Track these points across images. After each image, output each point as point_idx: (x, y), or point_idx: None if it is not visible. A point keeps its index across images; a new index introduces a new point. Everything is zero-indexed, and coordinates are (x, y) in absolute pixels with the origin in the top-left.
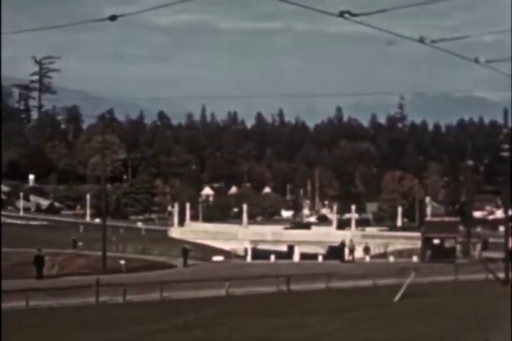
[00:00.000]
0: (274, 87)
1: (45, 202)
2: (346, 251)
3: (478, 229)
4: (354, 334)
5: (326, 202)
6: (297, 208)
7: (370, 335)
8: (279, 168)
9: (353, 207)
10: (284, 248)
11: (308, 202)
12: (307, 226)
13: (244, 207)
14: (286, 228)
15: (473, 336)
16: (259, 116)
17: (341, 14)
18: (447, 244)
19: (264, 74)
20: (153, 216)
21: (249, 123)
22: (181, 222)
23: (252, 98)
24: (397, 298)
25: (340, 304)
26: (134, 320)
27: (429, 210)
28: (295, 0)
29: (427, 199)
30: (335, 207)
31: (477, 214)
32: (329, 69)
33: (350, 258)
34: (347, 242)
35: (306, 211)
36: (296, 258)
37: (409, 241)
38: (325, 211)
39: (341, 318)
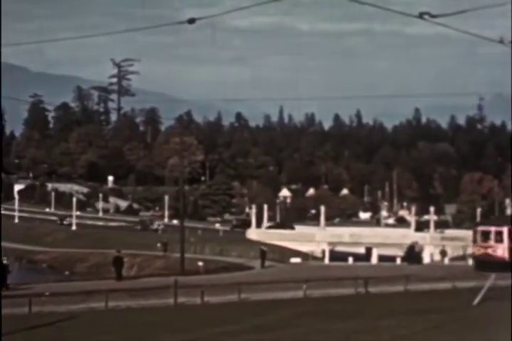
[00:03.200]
0: (352, 89)
1: (123, 204)
2: (426, 253)
3: None
4: (433, 337)
5: (404, 204)
6: (375, 210)
7: (450, 338)
8: (357, 169)
9: (432, 209)
10: (361, 250)
11: (386, 203)
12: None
13: (322, 208)
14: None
15: None
16: (336, 118)
17: (421, 15)
18: None
19: (342, 76)
20: (232, 217)
21: (327, 125)
22: (259, 223)
23: (330, 99)
24: (476, 300)
25: (419, 306)
26: (211, 321)
27: (509, 212)
28: (374, 2)
29: (507, 201)
30: (413, 209)
31: None
32: (407, 71)
33: (427, 260)
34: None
35: (384, 213)
36: (374, 260)
37: None
38: (403, 213)
39: (420, 321)
